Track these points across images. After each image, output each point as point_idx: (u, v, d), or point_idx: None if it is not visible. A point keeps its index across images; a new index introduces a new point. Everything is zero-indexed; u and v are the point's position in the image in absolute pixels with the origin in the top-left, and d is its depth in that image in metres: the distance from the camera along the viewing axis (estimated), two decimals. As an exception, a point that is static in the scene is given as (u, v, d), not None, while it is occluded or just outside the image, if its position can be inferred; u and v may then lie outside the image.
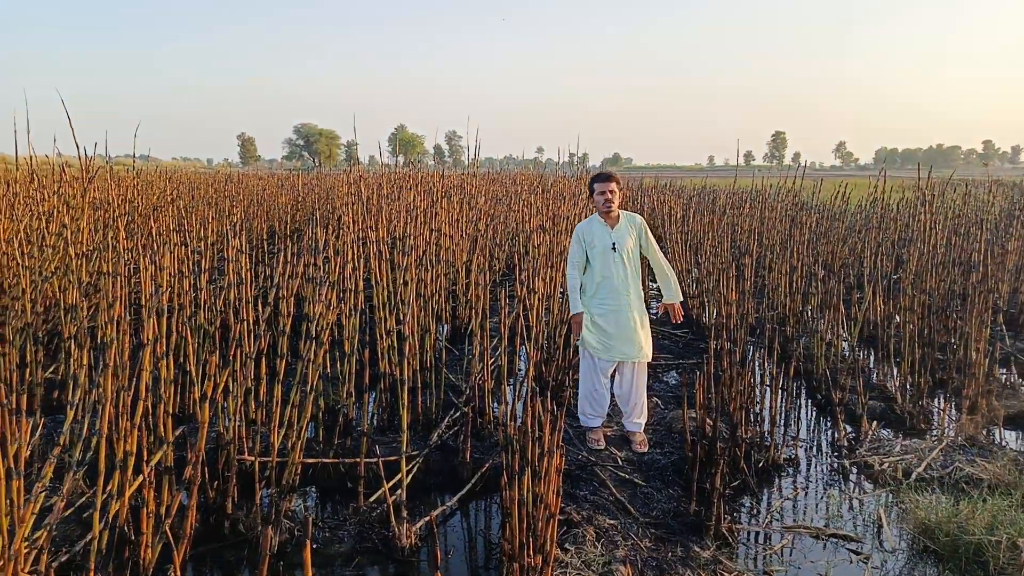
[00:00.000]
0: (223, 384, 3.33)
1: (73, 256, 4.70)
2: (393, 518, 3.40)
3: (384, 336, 4.58)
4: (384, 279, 5.05)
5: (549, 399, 3.33)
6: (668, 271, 4.45)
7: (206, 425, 2.83)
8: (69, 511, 3.15)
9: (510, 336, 5.17)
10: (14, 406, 3.73)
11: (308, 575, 1.88)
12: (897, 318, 5.81)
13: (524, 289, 5.06)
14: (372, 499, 3.68)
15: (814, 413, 5.43)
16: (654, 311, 5.63)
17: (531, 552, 2.86)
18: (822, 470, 4.37)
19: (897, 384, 5.34)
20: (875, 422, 4.86)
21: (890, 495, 3.95)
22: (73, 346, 3.58)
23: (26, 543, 2.76)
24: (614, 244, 4.24)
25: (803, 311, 6.93)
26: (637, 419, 4.35)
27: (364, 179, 9.15)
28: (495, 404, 4.67)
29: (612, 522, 3.50)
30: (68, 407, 3.19)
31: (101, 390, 2.74)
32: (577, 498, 3.74)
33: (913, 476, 4.08)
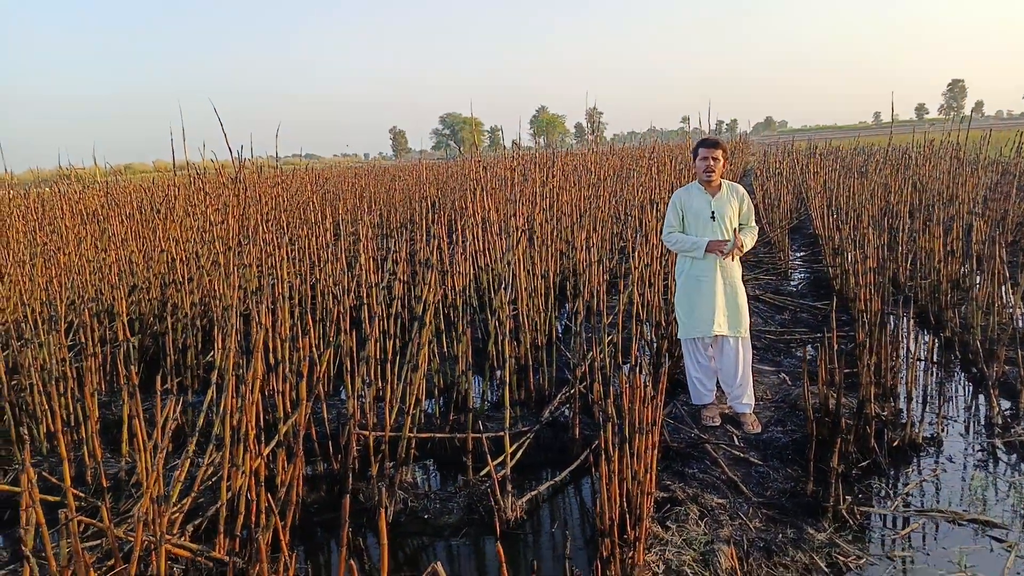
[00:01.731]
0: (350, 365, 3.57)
1: (220, 249, 5.20)
2: (499, 492, 3.50)
3: (492, 316, 4.68)
4: (497, 259, 5.16)
5: (662, 377, 3.26)
6: (754, 236, 4.19)
7: (304, 399, 3.04)
8: (211, 480, 3.52)
9: (626, 313, 5.11)
10: (167, 387, 4.19)
11: (384, 539, 1.98)
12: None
13: (636, 262, 4.97)
14: (481, 473, 3.81)
15: (969, 388, 4.93)
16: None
17: (626, 529, 2.85)
18: (969, 450, 3.97)
19: (1070, 355, 4.72)
20: (1038, 398, 4.33)
21: (1048, 478, 3.53)
22: (217, 332, 3.98)
23: (174, 508, 3.13)
24: (713, 213, 4.06)
25: (961, 277, 6.28)
26: (744, 400, 4.16)
27: (486, 166, 9.33)
28: (608, 381, 4.65)
29: (720, 501, 3.40)
30: (210, 388, 3.57)
31: (244, 371, 3.04)
32: (685, 476, 3.66)
33: (1079, 458, 3.61)
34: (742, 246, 4.07)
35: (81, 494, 3.41)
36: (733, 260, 4.11)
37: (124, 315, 4.35)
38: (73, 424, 3.99)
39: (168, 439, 2.75)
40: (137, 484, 3.60)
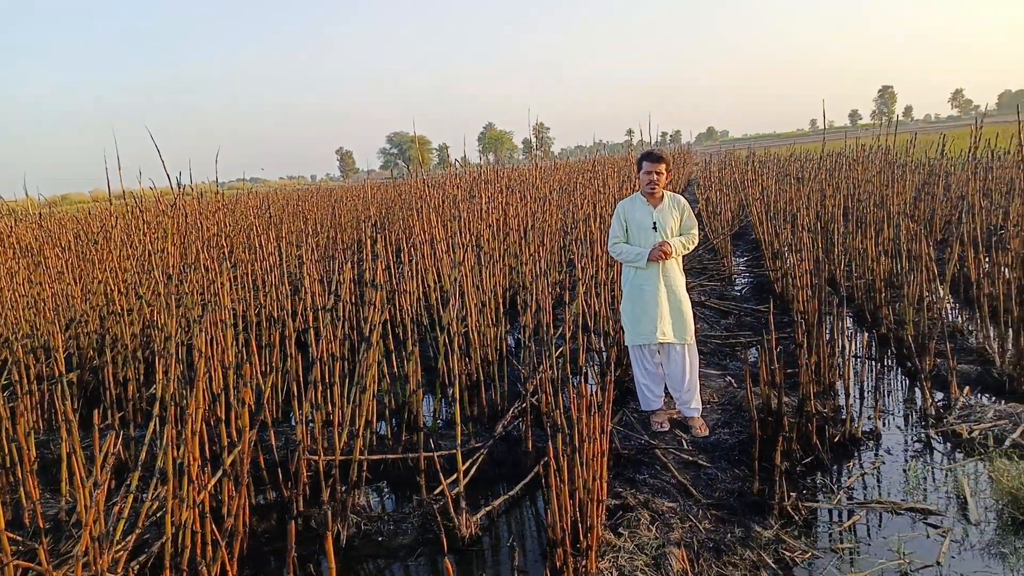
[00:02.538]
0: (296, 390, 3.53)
1: (160, 279, 5.08)
2: (452, 510, 3.49)
3: (442, 332, 4.68)
4: (446, 277, 5.17)
5: (609, 386, 3.31)
6: (692, 239, 4.28)
7: (247, 428, 2.99)
8: (157, 515, 3.42)
9: (576, 324, 5.17)
10: (108, 422, 4.06)
11: (331, 563, 1.97)
12: (1003, 273, 5.36)
13: (582, 273, 5.04)
14: (435, 492, 3.79)
15: (905, 383, 5.12)
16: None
17: (578, 538, 2.88)
18: (905, 442, 4.12)
19: (995, 346, 4.96)
20: (967, 388, 4.52)
21: (978, 464, 3.68)
22: (159, 363, 3.89)
23: (118, 546, 3.04)
24: (655, 224, 4.16)
25: (894, 276, 6.52)
26: (691, 404, 4.25)
27: (432, 184, 9.35)
28: (560, 393, 4.68)
29: (671, 505, 3.45)
30: (152, 421, 3.48)
31: (186, 401, 2.97)
32: (636, 482, 3.71)
33: (1007, 443, 3.79)
34: (670, 250, 4.13)
35: (18, 537, 3.28)
36: (667, 259, 4.16)
37: (61, 350, 4.22)
38: (8, 465, 3.85)
39: (108, 475, 2.68)
40: (79, 524, 3.49)
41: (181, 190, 7.26)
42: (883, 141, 11.28)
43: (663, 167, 4.19)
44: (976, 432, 3.94)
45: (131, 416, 4.85)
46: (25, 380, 4.37)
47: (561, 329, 5.58)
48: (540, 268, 5.46)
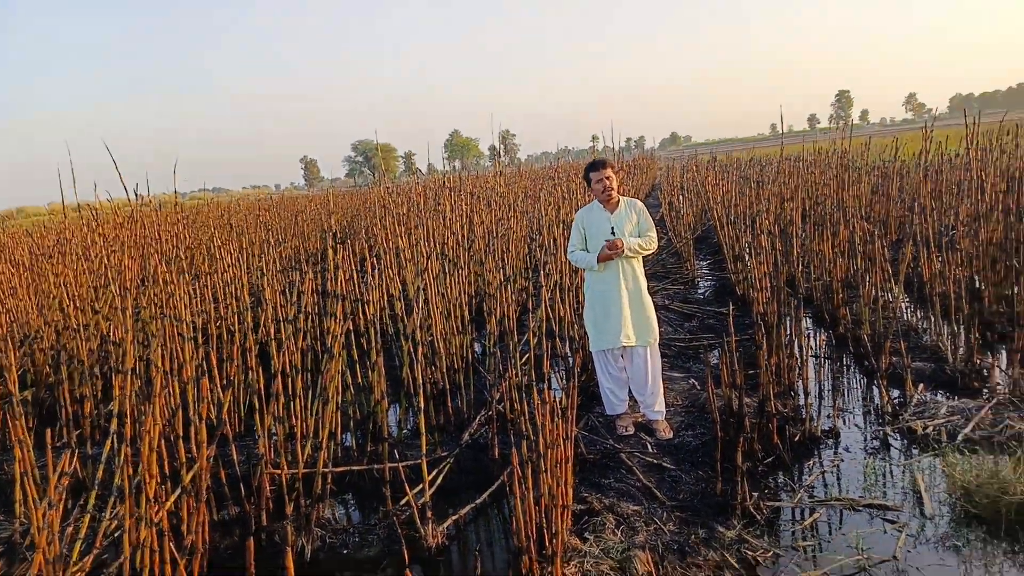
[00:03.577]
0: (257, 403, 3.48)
1: (116, 292, 4.98)
2: (418, 520, 3.47)
3: (406, 341, 4.67)
4: (410, 285, 5.15)
5: (573, 391, 3.32)
6: (650, 241, 4.32)
7: (205, 443, 2.95)
8: (115, 534, 3.35)
9: (539, 331, 5.19)
10: (65, 440, 3.96)
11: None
12: (954, 272, 5.52)
13: (546, 279, 5.07)
14: (401, 503, 3.77)
15: (863, 381, 5.23)
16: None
17: (544, 544, 2.89)
18: (863, 439, 4.21)
19: (948, 344, 5.10)
20: (922, 385, 4.64)
21: (932, 459, 3.78)
22: (115, 379, 3.81)
23: (75, 567, 2.96)
24: (612, 228, 4.20)
25: (849, 275, 6.67)
26: (655, 407, 4.29)
27: (395, 192, 9.32)
28: (525, 399, 4.70)
29: (635, 508, 3.48)
30: (108, 438, 3.41)
31: (144, 417, 2.91)
32: (601, 486, 3.74)
33: (959, 438, 3.90)
34: (622, 245, 4.14)
35: (-31, 562, 3.19)
36: (625, 257, 4.19)
37: (14, 368, 4.11)
38: (-41, 488, 3.73)
39: (63, 495, 2.62)
40: (33, 546, 3.39)
41: (139, 201, 7.13)
42: (839, 145, 11.52)
43: (610, 171, 4.25)
44: (930, 428, 4.05)
45: (88, 434, 4.74)
46: (-24, 400, 4.25)
47: (527, 335, 5.60)
48: (505, 275, 5.48)
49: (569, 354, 5.59)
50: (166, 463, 3.40)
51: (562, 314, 5.48)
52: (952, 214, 7.59)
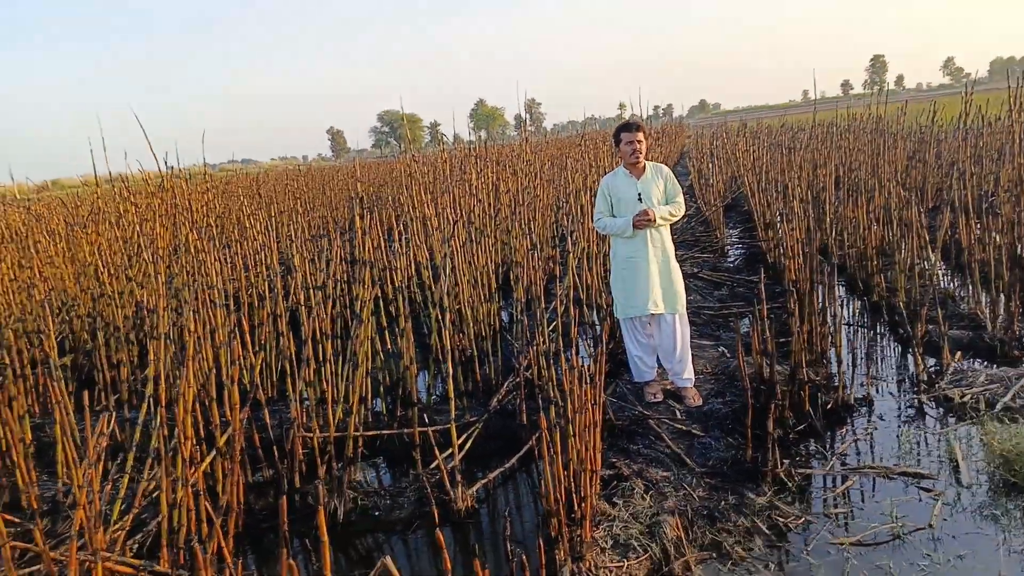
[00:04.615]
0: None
1: (149, 260, 5.05)
2: (448, 483, 3.51)
3: (433, 308, 4.68)
4: (437, 253, 5.15)
5: (601, 357, 3.31)
6: (679, 207, 4.25)
7: (238, 406, 2.99)
8: (153, 494, 3.43)
9: (566, 299, 5.17)
10: (105, 404, 4.05)
11: (324, 536, 1.98)
12: (994, 238, 5.37)
13: (573, 246, 5.03)
14: (431, 467, 3.81)
15: (897, 349, 5.15)
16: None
17: (573, 508, 2.90)
18: (897, 408, 4.15)
19: (987, 311, 4.98)
20: (959, 353, 4.55)
21: (970, 428, 3.71)
22: (151, 345, 3.88)
23: (115, 526, 3.05)
24: (640, 195, 4.14)
25: (884, 242, 6.53)
26: (684, 375, 4.26)
27: (421, 161, 9.30)
28: (553, 366, 4.70)
29: (665, 474, 3.48)
30: (144, 401, 3.48)
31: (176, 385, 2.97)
32: (630, 452, 3.73)
33: (998, 407, 3.82)
34: (654, 217, 4.10)
35: (15, 519, 3.29)
36: (653, 226, 4.14)
37: (52, 334, 4.20)
38: (4, 449, 3.84)
39: (101, 455, 2.68)
40: (75, 504, 3.49)
41: (170, 172, 7.19)
42: (874, 110, 11.23)
43: (642, 135, 4.17)
44: (968, 396, 3.97)
45: (125, 398, 4.84)
46: (18, 364, 4.36)
47: (554, 303, 5.59)
48: (531, 243, 5.44)
49: (597, 322, 5.56)
50: (201, 426, 3.46)
51: (589, 282, 5.45)
52: (992, 179, 7.38)
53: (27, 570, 2.88)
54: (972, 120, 8.96)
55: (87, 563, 2.58)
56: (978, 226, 5.85)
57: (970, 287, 5.40)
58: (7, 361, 4.28)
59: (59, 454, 3.66)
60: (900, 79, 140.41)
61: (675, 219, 4.23)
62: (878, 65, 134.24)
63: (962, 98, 8.55)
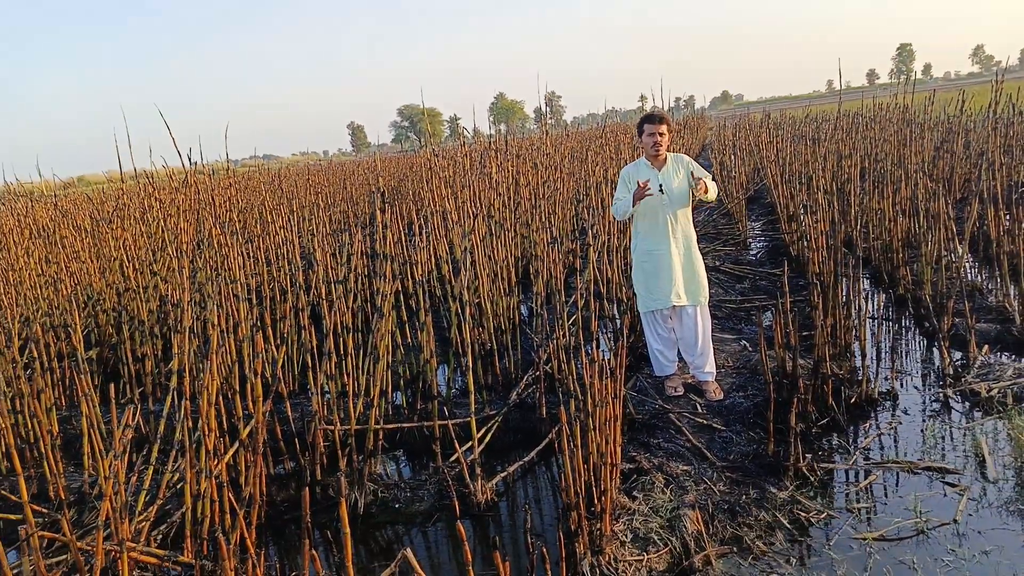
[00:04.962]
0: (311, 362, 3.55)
1: (173, 255, 5.12)
2: (468, 476, 3.52)
3: (453, 302, 4.69)
4: (457, 247, 5.16)
5: (621, 350, 3.30)
6: (711, 180, 4.17)
7: (260, 399, 3.01)
8: (177, 486, 3.48)
9: (586, 292, 5.15)
10: (130, 397, 4.11)
11: (346, 527, 1.99)
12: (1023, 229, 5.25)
13: (593, 240, 5.01)
14: (451, 459, 3.82)
15: (923, 343, 5.07)
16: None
17: (593, 501, 2.89)
18: (922, 402, 4.09)
19: (1016, 304, 4.88)
20: (986, 346, 4.47)
21: (997, 423, 3.65)
22: (174, 338, 3.93)
23: (140, 516, 3.10)
24: (661, 186, 4.11)
25: (910, 234, 6.43)
26: (705, 368, 4.23)
27: (441, 155, 9.31)
28: (573, 360, 4.69)
29: (685, 468, 3.46)
30: (169, 394, 3.53)
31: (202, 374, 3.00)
32: (650, 446, 3.72)
33: (1026, 401, 3.74)
34: (705, 188, 4.01)
35: (43, 510, 3.36)
36: (707, 193, 4.02)
37: (78, 328, 4.27)
38: (32, 440, 3.92)
39: (127, 446, 2.72)
40: (101, 496, 3.56)
41: (193, 167, 7.27)
42: (901, 100, 11.03)
43: (664, 127, 4.14)
44: (995, 391, 3.90)
45: (150, 391, 4.92)
46: (45, 357, 4.44)
47: (574, 297, 5.57)
48: (551, 236, 5.43)
49: (617, 316, 5.54)
50: (224, 418, 3.50)
51: (610, 275, 5.43)
52: (1023, 170, 7.22)
53: (54, 559, 2.94)
54: (1003, 109, 8.77)
55: (113, 553, 2.63)
56: (1007, 217, 5.73)
57: (998, 279, 5.30)
58: (35, 354, 4.35)
59: (85, 446, 3.73)
60: (928, 68, 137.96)
61: (713, 192, 4.09)
62: (905, 54, 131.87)
63: (992, 86, 8.36)
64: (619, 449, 3.12)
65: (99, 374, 5.35)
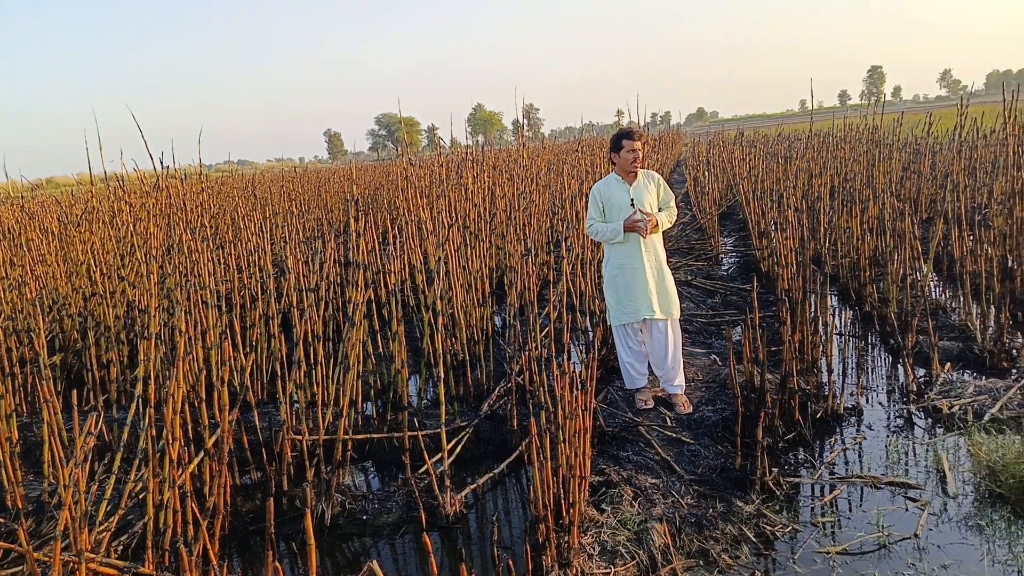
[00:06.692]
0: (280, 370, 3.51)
1: (142, 260, 5.04)
2: (437, 488, 3.50)
3: (426, 312, 4.67)
4: (431, 257, 5.15)
5: (592, 363, 3.31)
6: (672, 213, 4.33)
7: (227, 408, 2.98)
8: (140, 495, 3.42)
9: (559, 304, 5.17)
10: (93, 404, 4.03)
11: (310, 539, 1.97)
12: (986, 250, 5.38)
13: (567, 252, 5.04)
14: (420, 471, 3.80)
15: (888, 359, 5.16)
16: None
17: (561, 514, 2.89)
18: (886, 417, 4.16)
19: (977, 323, 4.99)
20: (949, 364, 4.56)
21: (958, 439, 3.72)
22: (141, 345, 3.87)
23: (101, 527, 3.03)
24: (632, 201, 4.16)
25: (877, 253, 6.55)
26: (675, 381, 4.27)
27: (417, 164, 9.30)
28: (544, 371, 4.69)
29: (654, 481, 3.48)
30: (134, 401, 3.47)
31: (168, 382, 2.96)
32: (620, 459, 3.73)
33: (986, 418, 3.83)
34: (657, 222, 4.16)
35: (0, 519, 3.27)
36: (651, 234, 4.17)
37: (42, 332, 4.19)
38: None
39: (88, 455, 2.67)
40: (61, 505, 3.48)
41: (165, 171, 7.18)
42: (870, 121, 11.27)
43: (642, 143, 4.22)
44: (956, 407, 3.98)
45: (115, 398, 4.83)
46: (6, 363, 4.34)
47: (547, 309, 5.59)
48: (526, 248, 5.45)
49: (589, 328, 5.56)
50: (190, 427, 3.45)
51: (583, 288, 5.45)
52: (986, 192, 7.41)
53: (11, 570, 2.87)
54: (967, 132, 9.01)
55: (71, 564, 2.57)
56: (970, 238, 5.88)
57: (961, 298, 5.42)
58: (-4, 359, 4.26)
59: (46, 454, 3.64)
60: (897, 90, 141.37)
61: (671, 225, 4.27)
62: (876, 76, 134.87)
63: (958, 110, 8.59)
64: (588, 461, 3.14)
65: (62, 380, 5.24)
